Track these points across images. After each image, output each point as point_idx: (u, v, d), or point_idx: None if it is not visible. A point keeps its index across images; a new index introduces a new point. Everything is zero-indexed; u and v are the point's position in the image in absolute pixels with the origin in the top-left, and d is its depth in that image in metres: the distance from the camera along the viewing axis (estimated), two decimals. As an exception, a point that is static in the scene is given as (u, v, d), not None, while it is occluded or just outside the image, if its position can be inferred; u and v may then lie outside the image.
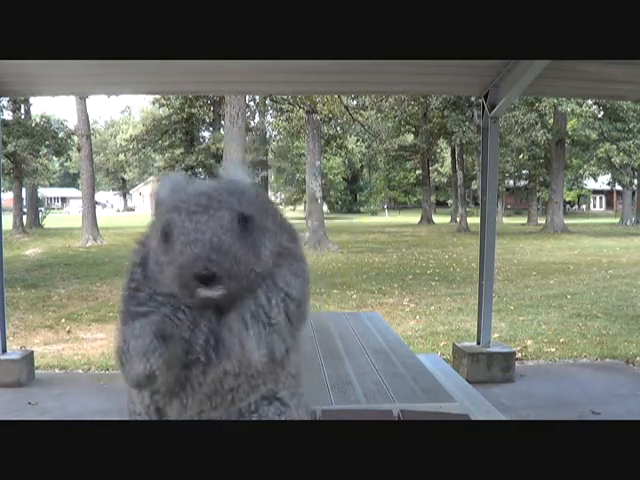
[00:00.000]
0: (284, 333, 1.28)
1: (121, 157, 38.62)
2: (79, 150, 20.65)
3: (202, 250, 1.20)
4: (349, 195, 49.74)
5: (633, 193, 32.89)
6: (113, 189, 59.96)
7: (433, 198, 40.81)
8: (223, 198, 1.27)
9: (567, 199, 41.42)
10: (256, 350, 1.25)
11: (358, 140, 40.71)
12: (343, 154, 40.28)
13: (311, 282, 1.39)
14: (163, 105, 29.24)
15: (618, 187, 34.82)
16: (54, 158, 29.75)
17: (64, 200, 62.76)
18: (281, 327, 1.28)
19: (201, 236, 1.21)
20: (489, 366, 4.85)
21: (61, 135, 24.46)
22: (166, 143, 29.33)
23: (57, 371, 5.29)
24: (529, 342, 6.20)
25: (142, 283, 1.34)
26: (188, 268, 1.21)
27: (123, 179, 56.94)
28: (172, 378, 1.27)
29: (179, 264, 1.22)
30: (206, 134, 31.42)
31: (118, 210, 57.40)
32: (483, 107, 4.88)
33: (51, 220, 31.81)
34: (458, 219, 27.82)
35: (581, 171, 31.64)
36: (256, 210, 1.30)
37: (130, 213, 51.43)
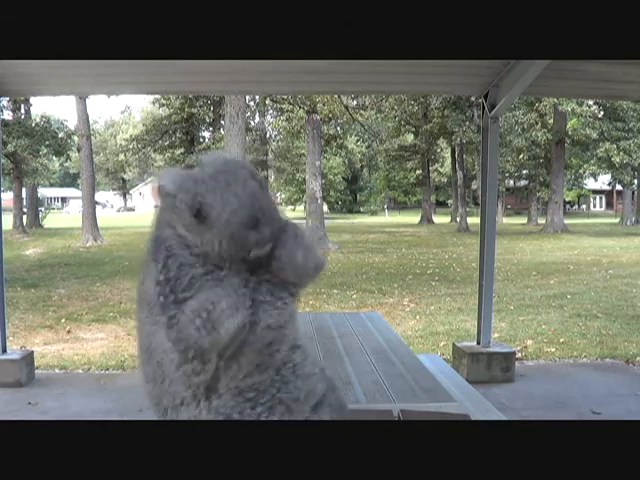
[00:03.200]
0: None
1: (121, 157, 38.63)
2: (79, 150, 20.59)
3: (250, 213, 1.26)
4: (349, 195, 49.75)
5: (633, 193, 32.89)
6: (113, 189, 59.97)
7: (433, 198, 40.81)
8: (239, 171, 1.30)
9: (567, 199, 41.40)
10: None
11: (358, 140, 40.74)
12: (343, 154, 40.26)
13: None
14: (163, 105, 29.21)
15: (618, 187, 34.81)
16: (54, 158, 29.75)
17: (64, 200, 62.78)
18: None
19: (241, 203, 1.25)
20: (489, 366, 4.85)
21: (61, 135, 24.38)
22: (166, 143, 29.32)
23: (57, 371, 5.28)
24: (529, 342, 6.19)
25: (178, 270, 1.30)
26: (242, 232, 1.25)
27: (123, 179, 56.96)
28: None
29: (231, 233, 1.25)
30: (206, 134, 31.39)
31: (118, 210, 57.40)
32: (483, 107, 4.87)
33: (51, 220, 31.80)
34: (458, 219, 27.81)
35: (581, 171, 31.64)
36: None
37: (130, 213, 51.44)
